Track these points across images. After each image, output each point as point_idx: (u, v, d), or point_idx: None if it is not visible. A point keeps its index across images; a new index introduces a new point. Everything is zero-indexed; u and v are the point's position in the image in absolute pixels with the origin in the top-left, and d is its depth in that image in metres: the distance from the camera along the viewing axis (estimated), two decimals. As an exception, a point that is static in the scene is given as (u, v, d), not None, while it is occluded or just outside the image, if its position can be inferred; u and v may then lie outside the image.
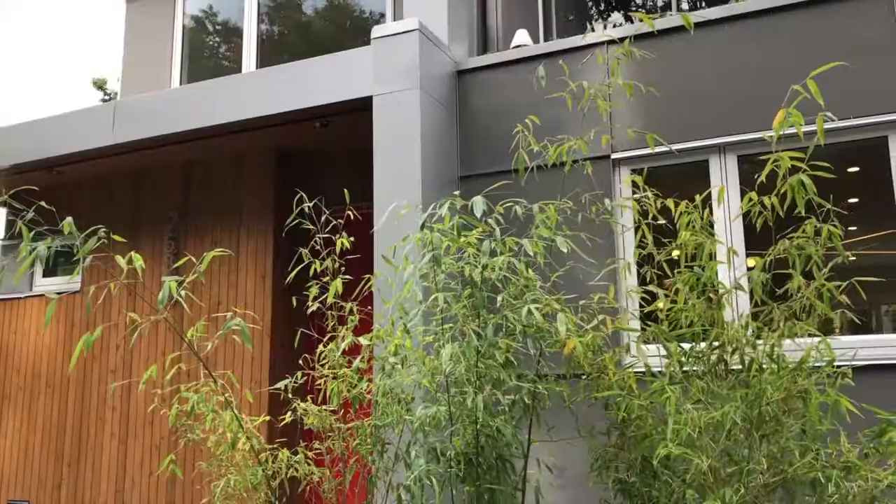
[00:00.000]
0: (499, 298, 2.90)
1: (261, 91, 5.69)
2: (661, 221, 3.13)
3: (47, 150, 6.30)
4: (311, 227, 4.02)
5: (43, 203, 3.19)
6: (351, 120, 5.65)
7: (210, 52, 8.08)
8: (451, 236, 2.85)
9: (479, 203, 2.74)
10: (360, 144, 5.99)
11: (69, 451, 6.36)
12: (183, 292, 3.22)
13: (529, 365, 3.13)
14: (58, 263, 6.91)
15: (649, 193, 3.25)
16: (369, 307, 3.92)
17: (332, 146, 6.16)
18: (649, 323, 3.09)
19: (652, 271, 3.09)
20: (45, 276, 6.90)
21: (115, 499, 6.09)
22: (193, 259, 3.95)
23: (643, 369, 3.09)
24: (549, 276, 3.33)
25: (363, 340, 3.56)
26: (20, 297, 6.88)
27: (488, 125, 5.38)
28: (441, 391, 3.05)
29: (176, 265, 6.17)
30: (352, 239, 3.84)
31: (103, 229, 3.01)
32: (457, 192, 3.26)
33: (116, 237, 3.12)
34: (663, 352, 3.04)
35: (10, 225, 7.11)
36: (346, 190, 4.01)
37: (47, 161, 6.42)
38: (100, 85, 22.80)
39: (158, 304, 3.07)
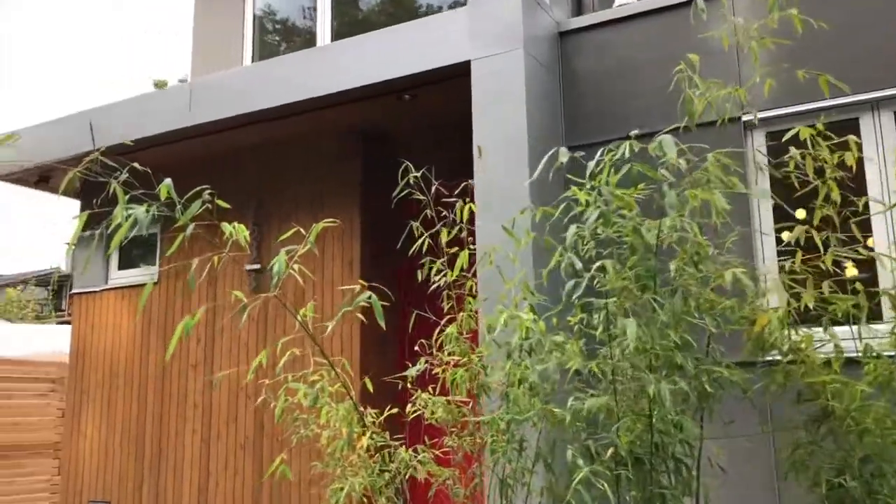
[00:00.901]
0: (671, 266, 2.42)
1: (343, 63, 5.29)
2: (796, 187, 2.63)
3: (119, 135, 6.01)
4: (400, 208, 3.57)
5: (136, 164, 2.77)
6: (440, 91, 5.22)
7: (282, 27, 7.74)
8: (618, 194, 2.37)
9: (668, 143, 2.24)
10: (448, 118, 5.55)
11: (150, 451, 6.07)
12: (296, 266, 2.79)
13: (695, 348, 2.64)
14: (131, 257, 6.64)
15: (797, 153, 2.74)
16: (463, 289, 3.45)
17: (418, 121, 5.72)
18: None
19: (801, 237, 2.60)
20: (120, 268, 6.63)
21: (199, 500, 5.77)
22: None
23: (832, 352, 2.58)
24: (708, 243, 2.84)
25: (486, 322, 3.10)
26: (95, 291, 6.63)
27: (597, 89, 4.89)
28: (596, 379, 2.59)
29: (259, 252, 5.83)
30: (446, 215, 3.39)
31: (209, 190, 2.59)
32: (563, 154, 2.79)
33: (220, 202, 2.70)
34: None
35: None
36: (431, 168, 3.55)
37: (120, 148, 6.14)
38: (160, 86, 22.91)
39: (274, 277, 2.64)
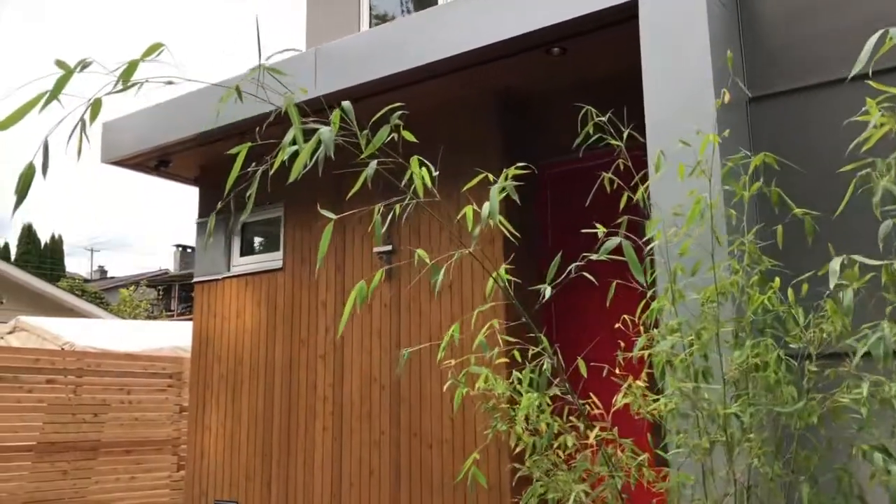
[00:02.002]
0: None
1: (479, 17, 4.74)
2: None
3: (236, 114, 5.64)
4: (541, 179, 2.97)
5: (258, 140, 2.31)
6: (595, 43, 4.61)
7: None
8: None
9: None
10: (603, 75, 4.93)
11: (277, 447, 5.69)
12: (499, 218, 2.26)
13: None
14: (253, 243, 6.30)
15: None
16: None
17: (565, 81, 5.12)
18: None
19: None
20: (242, 254, 6.30)
21: (332, 502, 5.34)
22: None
23: None
24: None
25: (703, 294, 2.48)
26: (217, 279, 6.32)
27: (783, 32, 4.18)
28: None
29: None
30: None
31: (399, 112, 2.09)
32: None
33: (407, 134, 2.18)
34: None
35: (203, 205, 6.58)
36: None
37: (235, 127, 5.76)
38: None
39: (476, 230, 2.12)
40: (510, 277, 2.69)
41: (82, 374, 7.95)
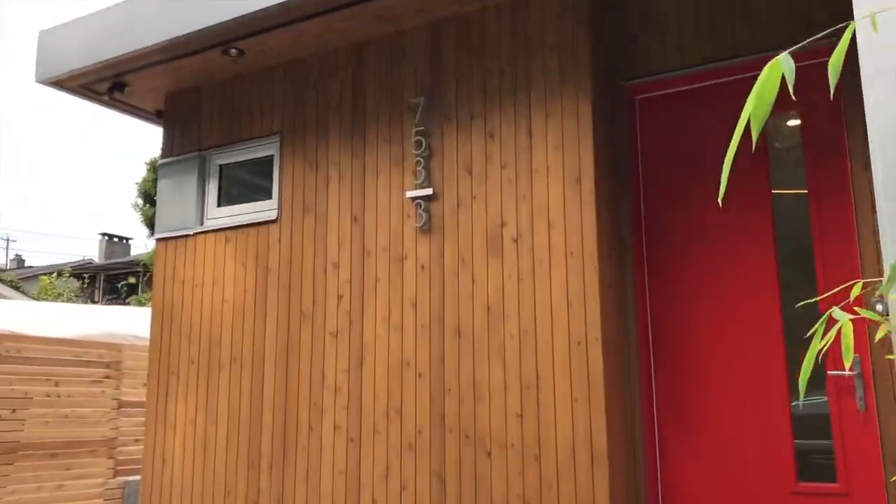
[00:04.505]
0: None
1: None
2: None
3: (216, 14, 4.29)
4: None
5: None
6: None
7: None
8: None
9: None
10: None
11: (269, 452, 4.35)
12: None
13: None
14: (235, 188, 4.93)
15: None
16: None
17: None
18: None
19: None
20: (221, 204, 4.92)
21: (346, 525, 4.04)
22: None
23: None
24: None
25: None
26: (187, 235, 4.93)
27: None
28: None
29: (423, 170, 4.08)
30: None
31: None
32: None
33: None
34: None
35: (169, 142, 5.18)
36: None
37: (215, 33, 4.41)
38: None
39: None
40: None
41: (-1, 360, 6.45)
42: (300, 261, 4.45)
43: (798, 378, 1.28)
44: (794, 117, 3.68)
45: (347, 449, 4.10)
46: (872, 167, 1.71)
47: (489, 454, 3.68)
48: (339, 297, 4.27)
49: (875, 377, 3.23)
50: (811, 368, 1.22)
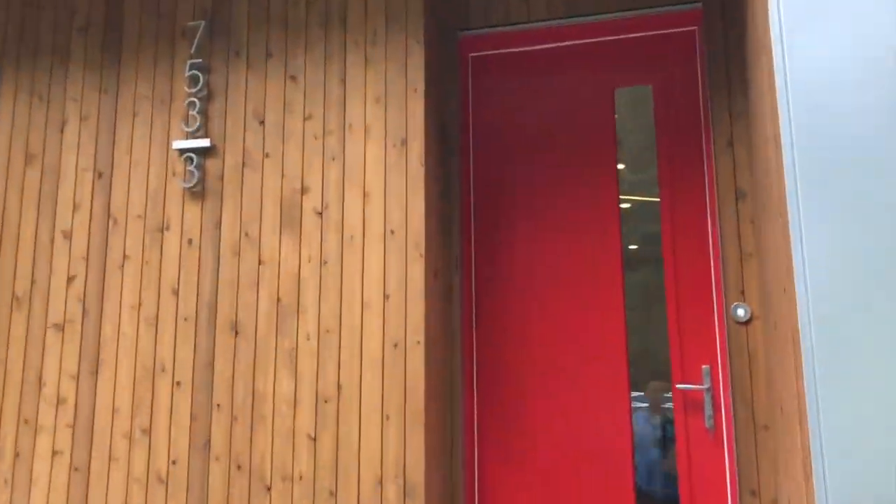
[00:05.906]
0: None
1: None
2: None
3: None
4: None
5: None
6: None
7: None
8: None
9: None
10: None
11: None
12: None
13: None
14: None
15: None
16: None
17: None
18: None
19: None
20: None
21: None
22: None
23: None
24: None
25: None
26: None
27: None
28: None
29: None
30: None
31: None
32: None
33: None
34: None
35: None
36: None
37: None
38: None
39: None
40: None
41: None
42: (15, 226, 3.27)
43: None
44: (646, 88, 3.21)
45: (70, 482, 3.01)
46: (783, 138, 1.17)
47: (269, 489, 2.81)
48: (71, 279, 3.16)
49: (733, 390, 2.80)
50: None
